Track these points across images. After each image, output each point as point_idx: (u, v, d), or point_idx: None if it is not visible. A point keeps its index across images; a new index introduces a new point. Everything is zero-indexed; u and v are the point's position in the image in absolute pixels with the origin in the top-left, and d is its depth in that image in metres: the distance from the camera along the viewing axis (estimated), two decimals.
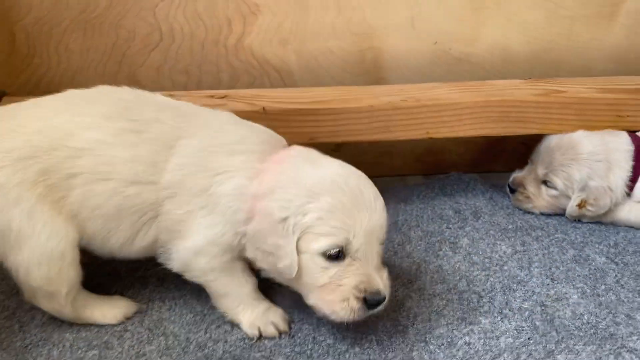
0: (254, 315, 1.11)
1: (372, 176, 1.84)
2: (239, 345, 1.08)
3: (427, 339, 1.09)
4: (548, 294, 1.19)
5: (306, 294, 1.05)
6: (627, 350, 1.05)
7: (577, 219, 1.49)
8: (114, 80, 1.68)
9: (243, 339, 1.10)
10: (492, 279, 1.24)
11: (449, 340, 1.09)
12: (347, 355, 1.06)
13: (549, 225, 1.46)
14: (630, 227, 1.46)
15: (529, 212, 1.52)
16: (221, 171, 1.05)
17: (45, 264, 1.01)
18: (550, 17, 1.71)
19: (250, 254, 1.06)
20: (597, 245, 1.37)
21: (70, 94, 1.12)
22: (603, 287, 1.22)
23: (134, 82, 1.68)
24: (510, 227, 1.44)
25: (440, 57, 1.74)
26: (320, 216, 0.99)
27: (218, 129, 1.10)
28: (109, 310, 1.12)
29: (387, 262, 1.28)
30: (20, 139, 1.02)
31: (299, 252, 1.00)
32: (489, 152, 1.87)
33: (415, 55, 1.73)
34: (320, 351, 1.08)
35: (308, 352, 1.07)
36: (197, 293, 1.16)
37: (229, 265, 1.09)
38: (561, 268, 1.28)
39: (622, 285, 1.22)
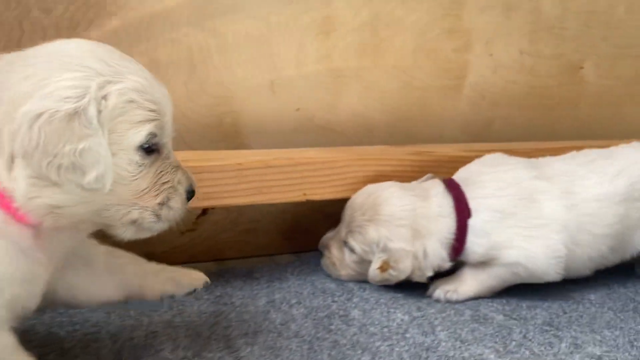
0: None
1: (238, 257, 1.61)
2: None
3: None
4: (463, 357, 1.03)
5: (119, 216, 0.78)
6: None
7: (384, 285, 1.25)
8: None
9: None
10: (397, 349, 1.06)
11: None
12: None
13: None
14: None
15: None
16: None
17: None
18: (406, 87, 1.74)
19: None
20: (490, 304, 1.27)
21: None
22: (513, 343, 1.10)
23: None
24: (399, 295, 1.29)
25: (304, 124, 1.64)
26: (132, 98, 0.74)
27: None
28: None
29: (272, 345, 1.04)
30: None
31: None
32: None
33: (278, 121, 1.61)
34: None
35: None
36: None
37: None
38: (465, 329, 1.14)
39: (529, 339, 1.12)
